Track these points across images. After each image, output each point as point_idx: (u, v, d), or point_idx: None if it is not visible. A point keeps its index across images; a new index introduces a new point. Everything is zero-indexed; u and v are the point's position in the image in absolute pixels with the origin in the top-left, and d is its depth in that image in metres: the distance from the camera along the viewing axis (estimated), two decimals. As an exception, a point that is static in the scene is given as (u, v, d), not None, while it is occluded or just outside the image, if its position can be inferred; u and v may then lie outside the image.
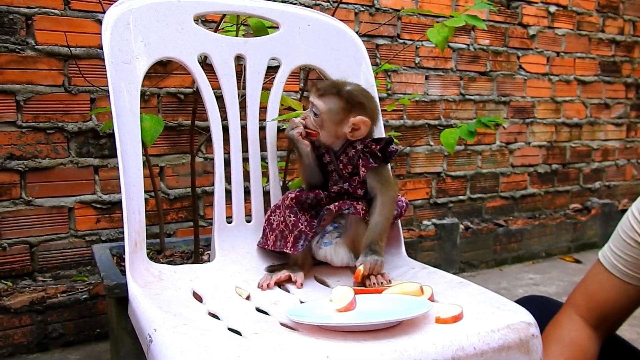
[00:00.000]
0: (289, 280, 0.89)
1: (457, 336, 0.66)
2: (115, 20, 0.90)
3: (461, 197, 2.51)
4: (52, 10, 1.64)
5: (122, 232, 1.74)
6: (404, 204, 0.96)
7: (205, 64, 1.07)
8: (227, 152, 1.01)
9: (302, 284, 0.88)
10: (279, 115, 1.07)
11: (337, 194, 0.93)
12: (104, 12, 1.62)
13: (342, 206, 0.89)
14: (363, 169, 0.90)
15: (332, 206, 0.89)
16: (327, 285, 0.91)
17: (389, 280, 0.85)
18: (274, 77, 1.08)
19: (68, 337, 1.62)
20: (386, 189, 0.90)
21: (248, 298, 0.83)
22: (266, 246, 0.96)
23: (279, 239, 0.93)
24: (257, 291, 0.86)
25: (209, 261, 1.25)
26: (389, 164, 0.96)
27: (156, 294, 0.80)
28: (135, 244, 0.83)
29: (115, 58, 0.88)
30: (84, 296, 1.63)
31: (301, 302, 0.81)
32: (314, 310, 0.72)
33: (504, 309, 0.73)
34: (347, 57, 1.08)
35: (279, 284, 0.89)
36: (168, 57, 0.97)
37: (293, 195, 0.93)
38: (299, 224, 0.91)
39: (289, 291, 0.87)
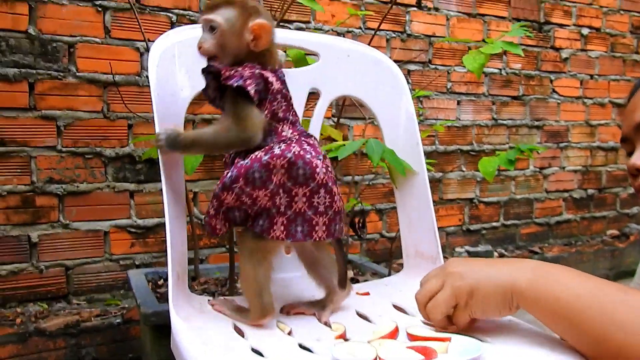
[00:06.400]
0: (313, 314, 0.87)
1: (510, 381, 0.63)
2: (162, 53, 0.91)
3: (494, 224, 2.47)
4: (94, 39, 1.68)
5: (155, 257, 1.78)
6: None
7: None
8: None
9: (326, 322, 0.86)
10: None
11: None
12: (143, 41, 1.67)
13: None
14: None
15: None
16: (368, 320, 0.89)
17: None
18: (312, 105, 1.09)
19: (101, 362, 1.63)
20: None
21: (290, 333, 0.82)
22: (271, 234, 0.79)
23: (297, 224, 0.80)
24: (299, 326, 0.85)
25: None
26: None
27: (198, 327, 0.79)
28: (178, 276, 0.83)
29: (161, 90, 0.90)
30: (117, 320, 1.64)
31: (345, 340, 0.79)
32: (359, 350, 0.71)
33: (557, 352, 0.71)
34: (386, 87, 1.08)
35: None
36: (210, 89, 0.98)
37: (289, 158, 0.78)
38: (328, 200, 0.81)
39: (330, 326, 0.86)
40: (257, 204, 0.80)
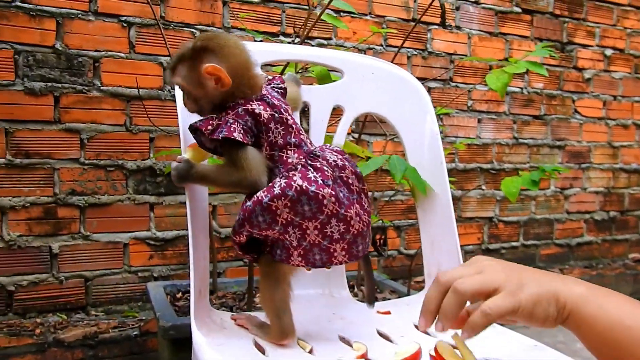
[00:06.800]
0: None
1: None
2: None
3: (514, 244, 2.43)
4: (118, 54, 1.71)
5: (173, 270, 1.78)
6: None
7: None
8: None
9: (347, 340, 0.85)
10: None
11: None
12: (167, 56, 1.69)
13: None
14: None
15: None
16: (390, 341, 0.88)
17: None
18: (335, 120, 1.09)
19: (117, 374, 1.62)
20: None
21: (311, 352, 0.81)
22: (290, 262, 0.79)
23: (315, 253, 0.78)
24: (320, 345, 0.84)
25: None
26: None
27: (219, 344, 0.79)
28: (200, 291, 0.83)
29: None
30: (134, 332, 1.64)
31: (367, 360, 0.78)
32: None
33: (586, 379, 0.69)
34: (410, 106, 1.07)
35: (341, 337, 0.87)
36: (235, 104, 0.99)
37: (290, 197, 0.75)
38: (343, 227, 0.77)
39: (351, 345, 0.85)
40: (270, 238, 0.79)
